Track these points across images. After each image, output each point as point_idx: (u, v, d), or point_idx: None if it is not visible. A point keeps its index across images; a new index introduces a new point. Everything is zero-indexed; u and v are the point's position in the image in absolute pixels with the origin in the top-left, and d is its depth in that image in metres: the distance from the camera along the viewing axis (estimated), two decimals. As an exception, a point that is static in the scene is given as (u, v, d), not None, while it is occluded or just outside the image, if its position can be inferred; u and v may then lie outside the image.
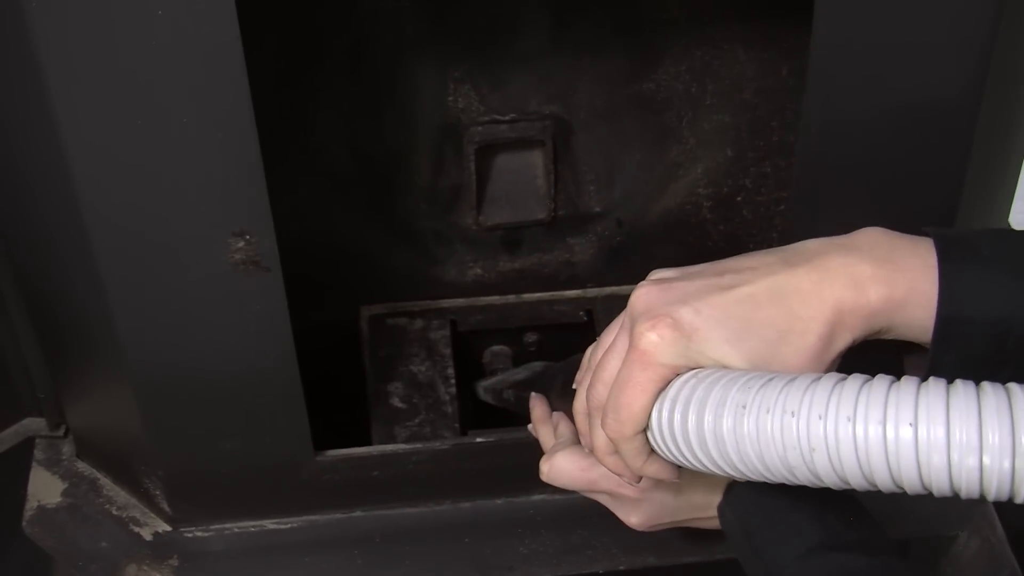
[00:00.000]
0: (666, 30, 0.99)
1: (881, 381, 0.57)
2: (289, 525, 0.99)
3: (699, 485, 0.77)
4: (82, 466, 1.03)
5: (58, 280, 0.90)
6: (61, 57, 0.73)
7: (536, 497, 1.01)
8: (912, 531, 1.00)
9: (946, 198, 0.85)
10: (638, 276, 1.10)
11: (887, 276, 0.64)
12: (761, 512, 0.75)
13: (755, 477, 0.62)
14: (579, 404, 0.75)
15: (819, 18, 0.75)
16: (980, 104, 0.80)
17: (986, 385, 0.55)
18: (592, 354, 0.75)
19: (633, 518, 0.81)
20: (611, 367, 0.70)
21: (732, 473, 0.63)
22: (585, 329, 1.09)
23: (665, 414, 0.65)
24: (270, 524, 0.99)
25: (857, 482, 0.58)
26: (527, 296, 1.11)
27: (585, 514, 0.99)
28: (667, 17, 0.98)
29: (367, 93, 0.99)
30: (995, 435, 0.53)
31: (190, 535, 0.99)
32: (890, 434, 0.55)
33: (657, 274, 0.71)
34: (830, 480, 0.58)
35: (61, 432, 1.05)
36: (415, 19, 0.96)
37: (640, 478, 0.72)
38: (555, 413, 0.89)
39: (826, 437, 0.57)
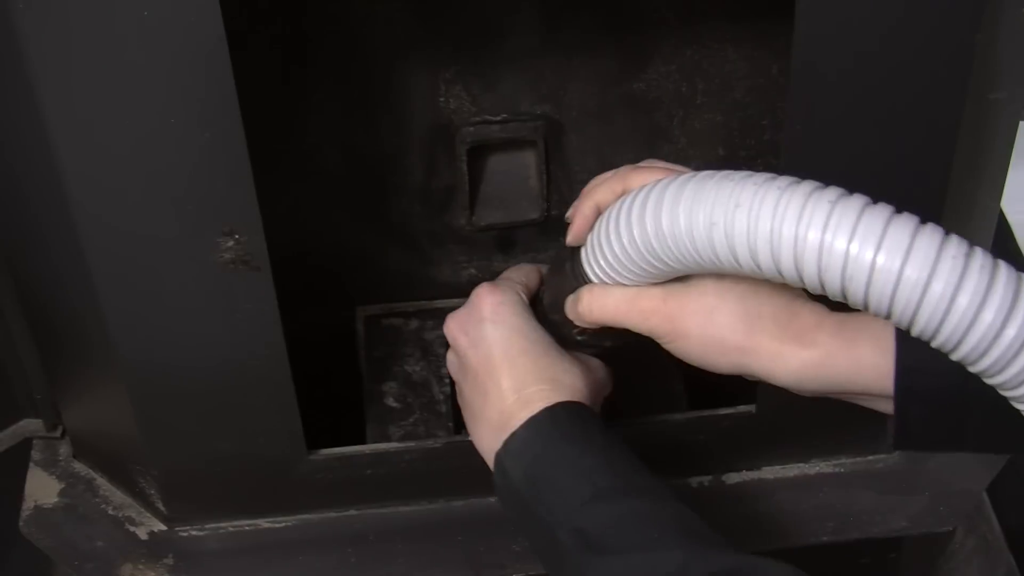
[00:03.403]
0: (656, 30, 0.99)
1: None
2: (283, 524, 1.00)
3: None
4: (79, 466, 1.04)
5: (51, 281, 0.91)
6: (49, 58, 0.74)
7: (529, 495, 1.01)
8: (903, 528, 1.00)
9: (933, 192, 0.85)
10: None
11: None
12: (547, 456, 0.75)
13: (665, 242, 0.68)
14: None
15: (801, 14, 0.76)
16: (965, 96, 0.80)
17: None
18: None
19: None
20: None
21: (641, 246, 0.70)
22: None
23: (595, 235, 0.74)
24: (264, 523, 0.99)
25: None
26: (521, 296, 1.11)
27: (578, 512, 1.00)
28: (657, 17, 0.98)
29: (359, 95, 1.00)
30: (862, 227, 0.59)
31: (185, 534, 0.99)
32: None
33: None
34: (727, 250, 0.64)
35: (58, 433, 1.06)
36: (406, 20, 0.97)
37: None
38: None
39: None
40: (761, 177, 0.64)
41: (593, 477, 0.73)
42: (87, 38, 0.73)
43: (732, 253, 0.63)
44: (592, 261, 0.77)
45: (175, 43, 0.73)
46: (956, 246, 0.58)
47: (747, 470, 1.03)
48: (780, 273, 0.62)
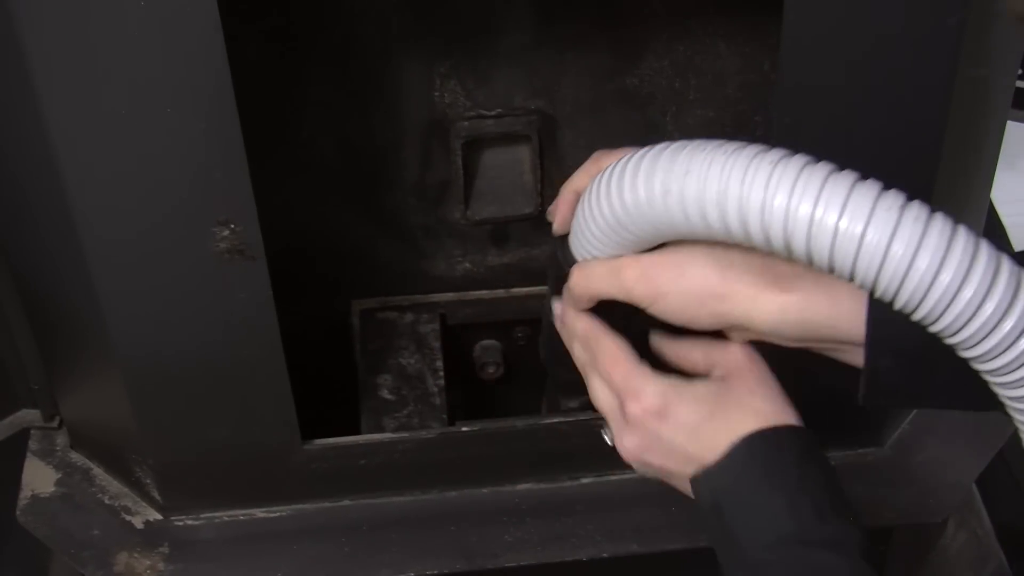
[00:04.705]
0: (648, 25, 1.00)
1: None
2: (278, 513, 1.00)
3: None
4: (75, 456, 1.05)
5: (49, 273, 0.92)
6: (46, 49, 0.75)
7: (521, 486, 1.02)
8: (892, 519, 1.00)
9: (922, 180, 0.86)
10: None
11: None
12: (737, 490, 0.75)
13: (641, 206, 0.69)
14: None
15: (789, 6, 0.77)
16: (952, 84, 0.81)
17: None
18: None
19: None
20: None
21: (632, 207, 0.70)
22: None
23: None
24: (259, 513, 1.00)
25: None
26: (516, 290, 1.12)
27: (569, 503, 1.01)
28: (649, 12, 0.99)
29: (355, 89, 1.01)
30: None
31: (180, 523, 1.00)
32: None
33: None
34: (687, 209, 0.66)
35: (55, 423, 1.06)
36: (401, 15, 0.98)
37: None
38: None
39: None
40: (710, 145, 0.67)
41: (776, 522, 0.72)
42: (84, 29, 0.74)
43: (686, 217, 0.66)
44: (577, 244, 0.79)
45: (172, 33, 0.74)
46: (918, 208, 0.59)
47: (738, 463, 1.04)
48: (729, 233, 0.65)
